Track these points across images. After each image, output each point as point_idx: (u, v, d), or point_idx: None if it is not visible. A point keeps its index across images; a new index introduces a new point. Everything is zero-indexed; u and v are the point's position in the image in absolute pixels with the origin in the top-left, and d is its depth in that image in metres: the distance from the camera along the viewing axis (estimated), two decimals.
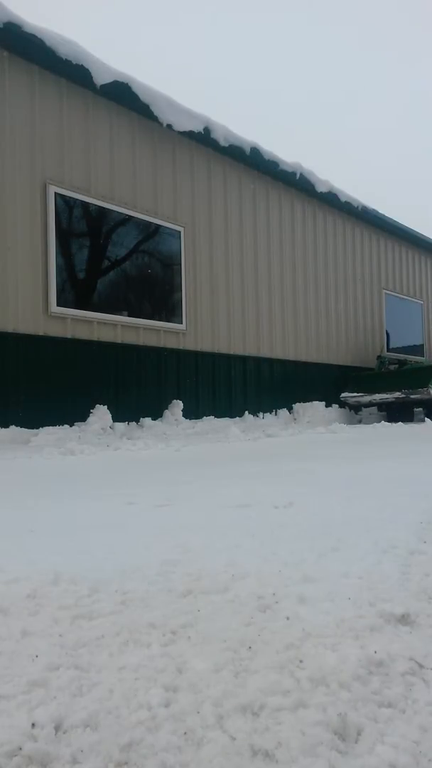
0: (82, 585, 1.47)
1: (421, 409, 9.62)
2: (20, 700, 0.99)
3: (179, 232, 7.66)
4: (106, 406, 6.28)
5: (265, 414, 8.71)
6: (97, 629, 1.25)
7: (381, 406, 9.84)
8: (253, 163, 8.72)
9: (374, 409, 10.19)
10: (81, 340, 6.43)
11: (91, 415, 6.17)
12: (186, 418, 7.25)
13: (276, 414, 8.89)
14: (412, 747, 0.90)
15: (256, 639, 1.20)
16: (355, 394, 9.69)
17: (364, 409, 10.20)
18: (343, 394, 9.79)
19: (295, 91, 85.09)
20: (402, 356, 11.95)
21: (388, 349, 11.85)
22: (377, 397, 9.40)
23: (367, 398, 9.54)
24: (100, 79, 6.41)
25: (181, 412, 7.21)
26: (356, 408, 9.96)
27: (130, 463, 4.29)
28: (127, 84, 6.70)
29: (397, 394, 9.17)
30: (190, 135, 7.67)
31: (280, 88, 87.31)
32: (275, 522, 2.13)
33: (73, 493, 2.92)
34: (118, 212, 6.93)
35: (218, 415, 7.91)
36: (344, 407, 9.94)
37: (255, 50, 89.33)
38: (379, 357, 10.91)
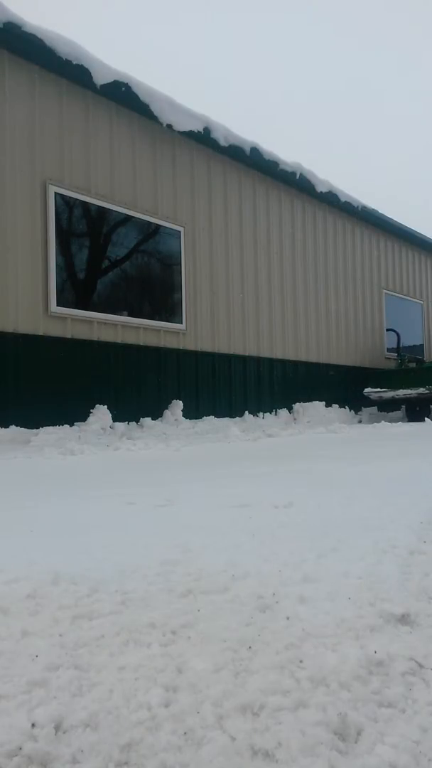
0: (82, 585, 1.47)
1: None
2: (20, 700, 0.99)
3: (179, 232, 7.66)
4: (106, 406, 6.28)
5: (265, 414, 8.71)
6: (97, 629, 1.25)
7: (387, 404, 10.09)
8: (253, 163, 8.72)
9: (374, 408, 10.35)
10: (81, 340, 6.43)
11: (91, 415, 6.17)
12: (186, 418, 7.24)
13: (276, 414, 8.89)
14: (412, 747, 0.90)
15: (256, 639, 1.20)
16: (378, 389, 9.94)
17: (364, 409, 10.32)
18: (366, 390, 10.05)
19: (296, 91, 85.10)
20: (419, 356, 12.24)
21: (389, 349, 11.88)
22: (401, 392, 9.64)
23: (390, 394, 9.79)
24: (100, 79, 6.41)
25: (181, 412, 7.21)
26: (378, 403, 10.25)
27: (130, 463, 4.29)
28: (127, 84, 6.70)
29: (421, 390, 9.41)
30: (190, 135, 7.67)
31: (281, 88, 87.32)
32: (275, 522, 2.13)
33: (73, 493, 2.92)
34: (118, 212, 6.92)
35: (218, 415, 7.91)
36: (344, 407, 9.97)
37: (255, 50, 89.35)
38: (398, 354, 11.05)
